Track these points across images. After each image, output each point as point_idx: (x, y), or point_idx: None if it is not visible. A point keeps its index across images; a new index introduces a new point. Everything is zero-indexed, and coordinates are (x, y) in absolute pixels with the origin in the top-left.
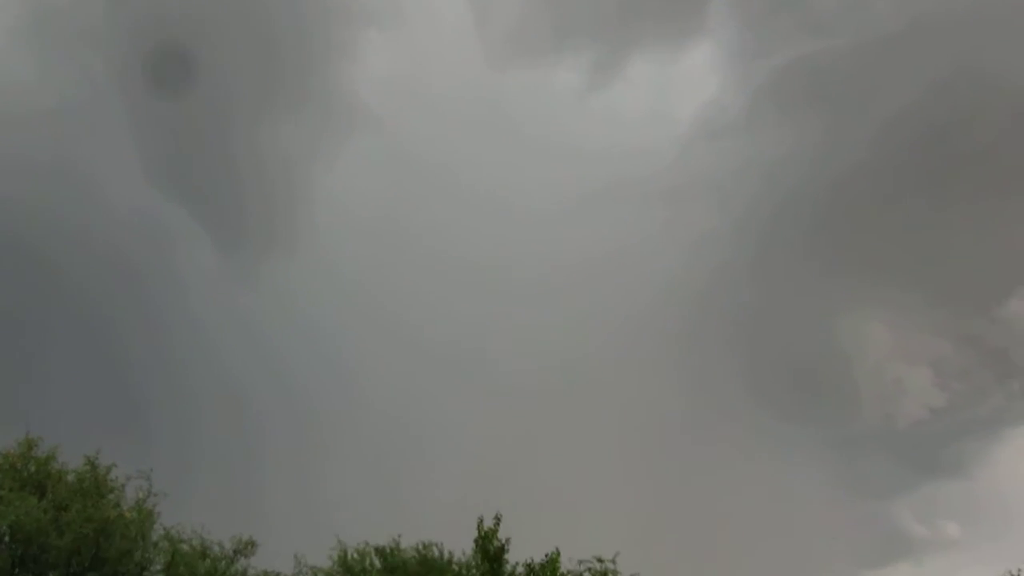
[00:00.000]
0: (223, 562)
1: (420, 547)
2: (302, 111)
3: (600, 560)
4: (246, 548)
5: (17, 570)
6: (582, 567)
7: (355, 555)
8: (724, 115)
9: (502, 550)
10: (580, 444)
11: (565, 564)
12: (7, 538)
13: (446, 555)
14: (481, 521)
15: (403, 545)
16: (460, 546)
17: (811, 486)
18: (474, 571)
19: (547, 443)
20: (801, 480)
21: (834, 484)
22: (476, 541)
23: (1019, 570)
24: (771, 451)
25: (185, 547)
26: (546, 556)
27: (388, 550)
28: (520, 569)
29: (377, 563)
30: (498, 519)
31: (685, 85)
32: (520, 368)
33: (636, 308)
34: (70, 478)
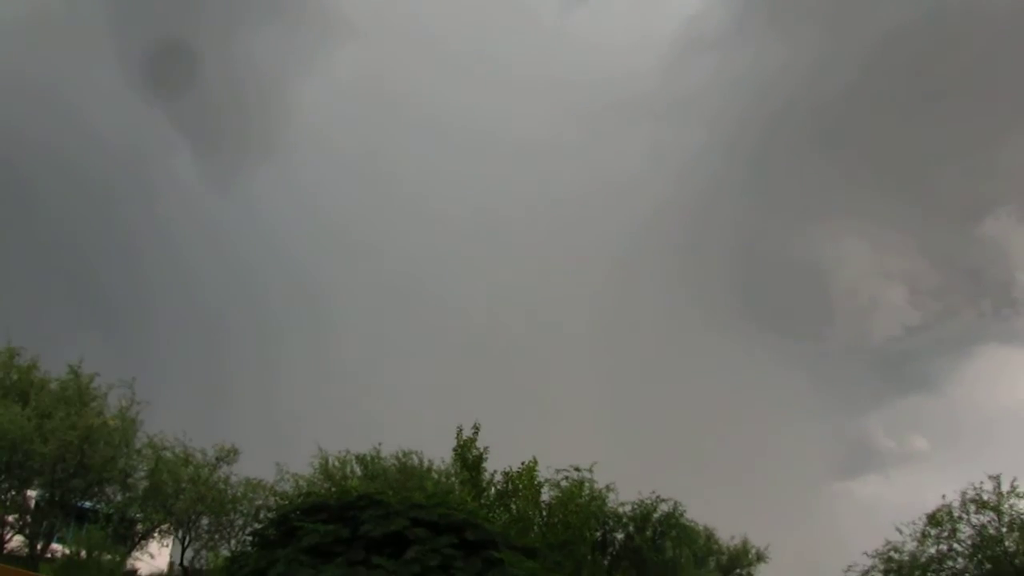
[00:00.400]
0: (206, 469)
1: (400, 455)
2: (282, 23)
3: (577, 469)
4: (228, 455)
5: (2, 477)
6: (559, 476)
7: (336, 463)
8: (711, 30)
9: (480, 459)
10: (563, 361)
11: (543, 473)
12: None
13: (425, 463)
14: (460, 430)
15: (383, 453)
16: (440, 455)
17: (786, 397)
18: (453, 479)
19: (529, 361)
20: (777, 391)
21: (808, 396)
22: (455, 450)
23: (981, 483)
24: (751, 362)
25: (168, 454)
26: (523, 464)
27: (369, 458)
28: (498, 477)
29: (358, 471)
30: (476, 428)
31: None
32: (498, 293)
33: (623, 230)
34: (53, 386)
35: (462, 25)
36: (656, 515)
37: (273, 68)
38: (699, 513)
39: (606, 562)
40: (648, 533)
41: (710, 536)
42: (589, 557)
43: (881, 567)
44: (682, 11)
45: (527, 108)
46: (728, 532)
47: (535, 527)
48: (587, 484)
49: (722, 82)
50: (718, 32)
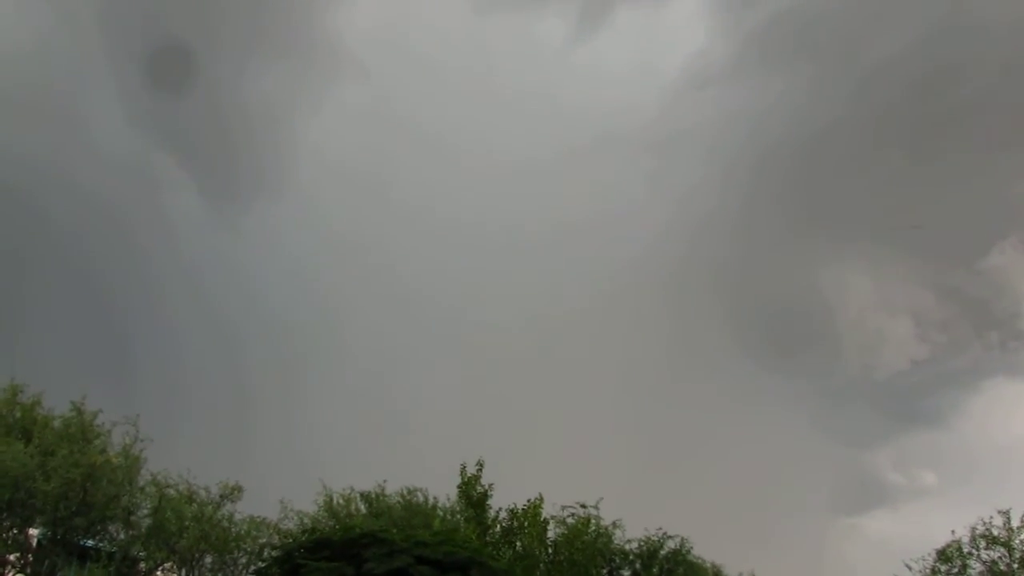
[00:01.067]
0: (209, 507)
1: (405, 492)
2: (288, 59)
3: (583, 506)
4: (232, 493)
5: (4, 515)
6: (565, 512)
7: (340, 501)
8: (711, 66)
9: (485, 496)
10: (564, 393)
11: (548, 510)
12: None
13: (430, 501)
14: (464, 468)
15: (388, 491)
16: (444, 492)
17: (792, 434)
18: (458, 516)
19: (531, 392)
20: (782, 428)
21: (814, 432)
22: (460, 487)
23: (991, 518)
24: (753, 400)
25: (172, 492)
26: (529, 502)
27: (373, 495)
28: (503, 514)
29: (363, 508)
30: (480, 465)
31: (671, 35)
32: (501, 320)
33: (621, 260)
34: (56, 424)
35: (470, 54)
36: (663, 552)
37: (284, 103)
38: (706, 549)
39: None
40: (655, 570)
41: (717, 573)
42: None
43: None
44: (686, 48)
45: (532, 135)
46: (736, 569)
47: (541, 565)
48: (593, 521)
49: (721, 116)
50: (717, 67)
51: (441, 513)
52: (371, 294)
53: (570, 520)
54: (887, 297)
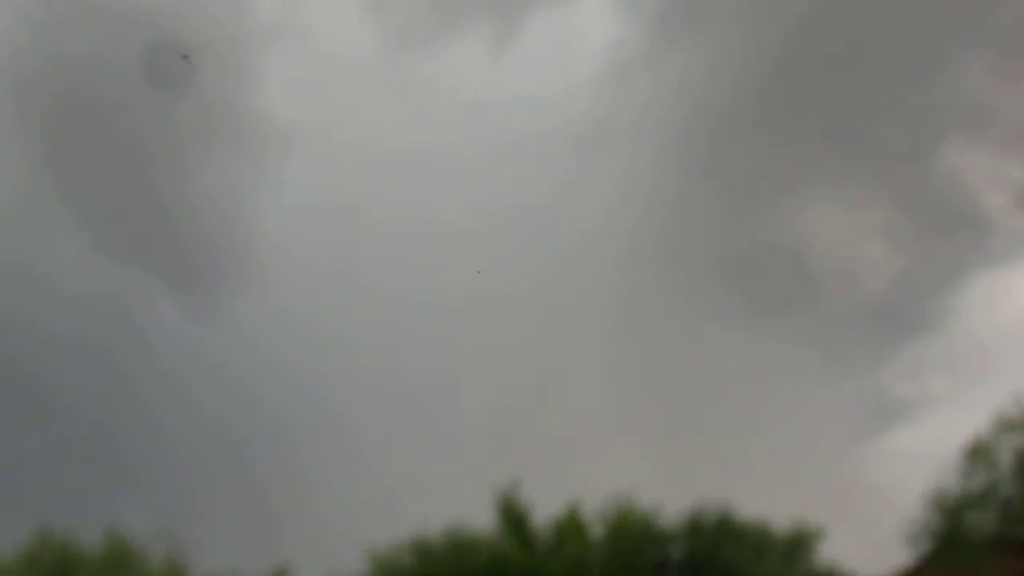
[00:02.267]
0: None
1: (448, 531)
2: (229, 151)
3: (620, 498)
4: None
5: None
6: (604, 509)
7: (387, 555)
8: (630, 51)
9: (525, 513)
10: (565, 375)
11: (589, 509)
12: None
13: (473, 534)
14: (499, 492)
15: (429, 534)
16: (483, 520)
17: (794, 373)
18: (504, 543)
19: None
20: (783, 369)
21: (814, 370)
22: (499, 511)
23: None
24: (751, 348)
25: None
26: (567, 509)
27: (418, 543)
28: (548, 530)
29: (410, 559)
30: (514, 484)
31: (587, 33)
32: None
33: (567, 247)
34: (93, 555)
35: (396, 117)
36: (708, 521)
37: (229, 194)
38: (745, 506)
39: None
40: (704, 541)
41: (764, 527)
42: None
43: (934, 515)
44: (604, 41)
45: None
46: (777, 518)
47: (593, 567)
48: (633, 510)
49: (659, 94)
50: (637, 51)
51: (486, 541)
52: (350, 371)
53: (611, 516)
54: (851, 221)
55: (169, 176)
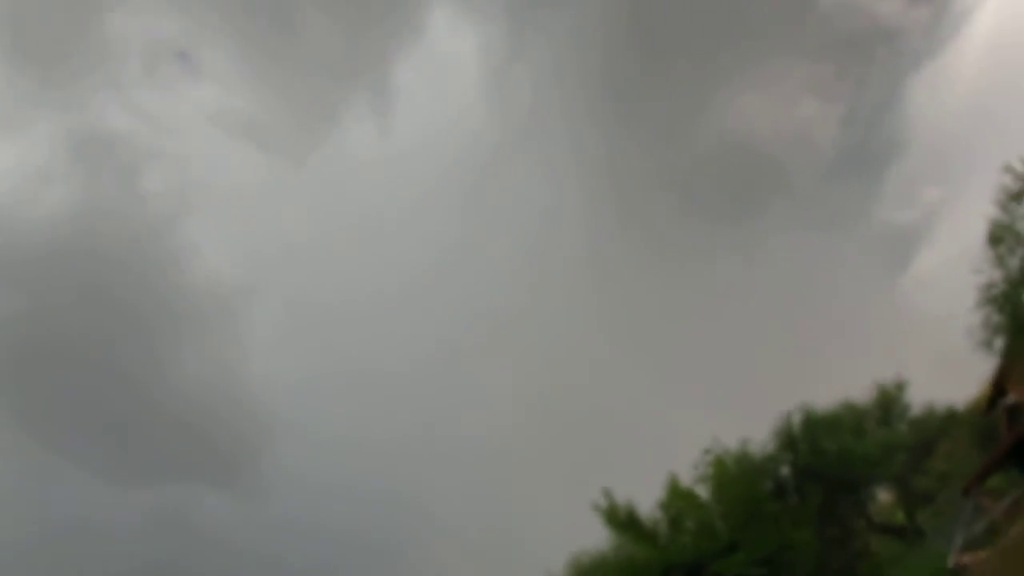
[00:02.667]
0: None
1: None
2: (187, 330)
3: (708, 451)
4: None
5: None
6: (697, 469)
7: None
8: (499, 51)
9: (632, 511)
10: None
11: (684, 476)
12: None
13: (595, 555)
14: (597, 504)
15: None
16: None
17: (799, 252)
18: (628, 548)
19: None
20: (790, 254)
21: (815, 237)
22: (606, 520)
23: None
24: (741, 245)
25: None
26: (667, 485)
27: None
28: (659, 516)
29: None
30: (607, 492)
31: (452, 57)
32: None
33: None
34: None
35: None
36: (796, 427)
37: (217, 372)
38: (820, 395)
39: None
40: (804, 447)
41: (849, 405)
42: (774, 512)
43: (991, 311)
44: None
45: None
46: (854, 390)
47: (718, 525)
48: (723, 455)
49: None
50: (521, 42)
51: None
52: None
53: (707, 472)
54: (775, 97)
55: (162, 383)
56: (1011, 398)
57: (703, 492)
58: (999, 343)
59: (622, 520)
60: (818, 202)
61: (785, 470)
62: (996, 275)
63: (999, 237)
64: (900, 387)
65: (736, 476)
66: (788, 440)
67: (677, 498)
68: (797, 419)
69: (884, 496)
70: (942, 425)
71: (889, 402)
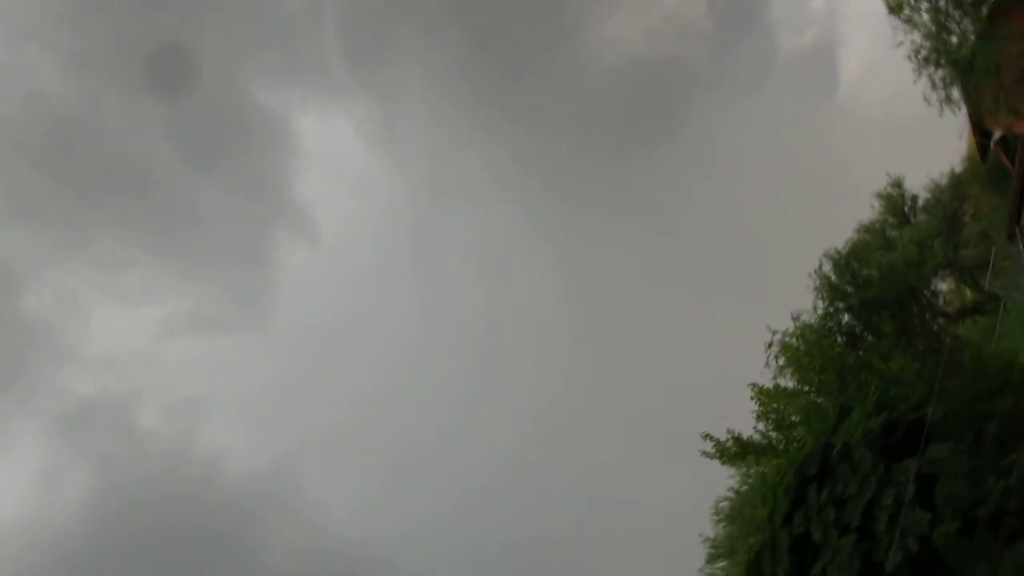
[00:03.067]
0: None
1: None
2: None
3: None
4: None
5: None
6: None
7: None
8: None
9: (738, 436)
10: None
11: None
12: None
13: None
14: (704, 450)
15: None
16: None
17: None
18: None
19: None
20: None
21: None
22: (715, 457)
23: None
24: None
25: None
26: (753, 398)
27: None
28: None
29: None
30: (708, 435)
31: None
32: None
33: None
34: None
35: None
36: (833, 276)
37: None
38: (827, 239)
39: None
40: (850, 289)
41: (864, 227)
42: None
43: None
44: (351, 122)
45: None
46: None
47: (816, 400)
48: (786, 339)
49: None
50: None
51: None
52: None
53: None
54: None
55: None
56: (997, 133)
57: (787, 383)
58: (957, 94)
59: (734, 450)
60: (722, 76)
61: (846, 318)
62: (916, 37)
63: (898, 2)
64: (898, 184)
65: (808, 348)
66: (831, 289)
67: (769, 400)
68: (828, 267)
69: (945, 287)
70: (953, 192)
71: (896, 203)
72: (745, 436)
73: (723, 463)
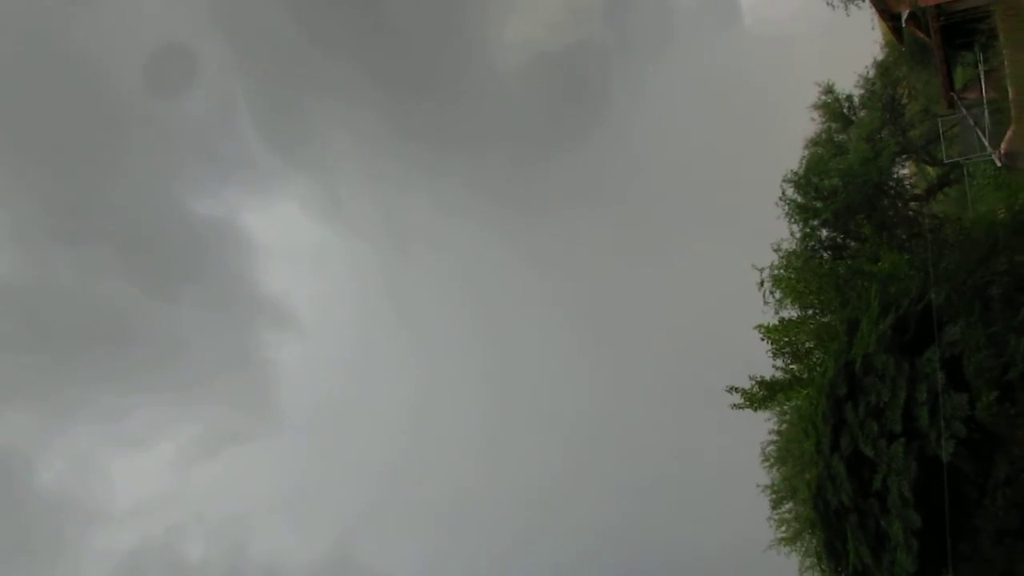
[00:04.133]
0: None
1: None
2: None
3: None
4: None
5: None
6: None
7: None
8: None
9: (763, 381)
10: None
11: (764, 318)
12: None
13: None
14: (736, 397)
15: None
16: None
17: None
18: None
19: None
20: None
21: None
22: (743, 406)
23: None
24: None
25: None
26: (764, 337)
27: None
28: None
29: None
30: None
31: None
32: None
33: None
34: None
35: None
36: (798, 196)
37: None
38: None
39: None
40: (819, 204)
41: (811, 140)
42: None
43: None
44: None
45: None
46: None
47: (814, 320)
48: (774, 273)
49: None
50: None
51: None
52: None
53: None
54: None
55: None
56: (905, 13)
57: (789, 314)
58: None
59: (762, 394)
60: (629, 43)
61: (824, 233)
62: None
63: None
64: (830, 90)
65: (799, 273)
66: (801, 210)
67: (778, 336)
68: (791, 190)
69: (907, 171)
70: (884, 80)
71: (834, 109)
72: (768, 377)
73: (755, 410)
